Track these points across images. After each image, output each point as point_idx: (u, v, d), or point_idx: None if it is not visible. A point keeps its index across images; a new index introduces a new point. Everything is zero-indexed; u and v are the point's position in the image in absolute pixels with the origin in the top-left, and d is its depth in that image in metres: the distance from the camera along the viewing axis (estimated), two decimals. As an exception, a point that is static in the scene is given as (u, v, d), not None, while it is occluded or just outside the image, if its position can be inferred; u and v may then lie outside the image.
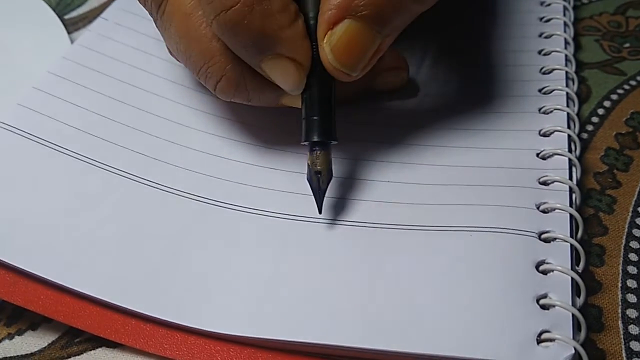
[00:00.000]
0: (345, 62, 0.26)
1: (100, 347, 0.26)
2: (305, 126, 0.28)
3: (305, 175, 0.28)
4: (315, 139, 0.27)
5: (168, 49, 0.31)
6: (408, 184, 0.29)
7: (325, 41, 0.26)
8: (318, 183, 0.28)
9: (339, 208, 0.29)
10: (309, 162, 0.28)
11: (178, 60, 0.30)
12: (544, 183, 0.29)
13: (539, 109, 0.32)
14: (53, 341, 0.26)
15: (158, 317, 0.26)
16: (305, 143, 0.28)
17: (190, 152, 0.31)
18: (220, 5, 0.25)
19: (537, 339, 0.24)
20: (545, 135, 0.31)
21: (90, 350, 0.26)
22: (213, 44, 0.27)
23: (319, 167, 0.28)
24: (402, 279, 0.26)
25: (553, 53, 0.35)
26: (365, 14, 0.26)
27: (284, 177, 0.30)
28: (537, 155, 0.30)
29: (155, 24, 0.30)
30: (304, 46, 0.27)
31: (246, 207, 0.29)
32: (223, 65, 0.27)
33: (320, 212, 0.28)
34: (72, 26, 0.39)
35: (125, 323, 0.26)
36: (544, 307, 0.24)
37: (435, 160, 0.30)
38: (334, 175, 0.28)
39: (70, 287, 0.26)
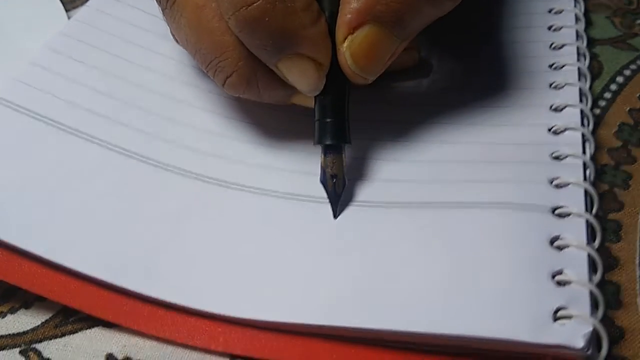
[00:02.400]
0: (365, 66, 0.25)
1: (96, 326, 0.25)
2: (318, 128, 0.26)
3: (319, 177, 0.27)
4: (329, 142, 0.26)
5: (174, 37, 0.29)
6: (417, 162, 0.28)
7: (345, 45, 0.25)
8: (334, 188, 0.26)
9: (347, 188, 0.27)
10: (323, 164, 0.27)
11: (185, 49, 0.29)
12: (557, 158, 0.27)
13: (550, 85, 0.31)
14: (47, 320, 0.25)
15: (157, 297, 0.24)
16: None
17: (190, 130, 0.30)
18: (241, 1, 0.23)
19: (553, 317, 0.22)
20: (556, 110, 0.29)
21: (86, 329, 0.25)
22: (226, 37, 0.25)
23: (333, 172, 0.26)
24: (412, 257, 0.25)
25: (563, 29, 0.33)
26: (386, 19, 0.24)
27: (288, 156, 0.29)
28: (549, 130, 0.29)
29: (163, 12, 0.28)
30: (326, 46, 0.25)
31: (249, 186, 0.28)
32: (235, 60, 0.26)
33: (335, 217, 0.26)
34: (70, 4, 0.37)
35: (122, 303, 0.25)
36: (559, 283, 0.23)
37: (444, 137, 0.29)
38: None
39: (65, 265, 0.25)
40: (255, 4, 0.23)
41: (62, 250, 0.25)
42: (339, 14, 0.25)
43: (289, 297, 0.24)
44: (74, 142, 0.29)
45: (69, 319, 0.25)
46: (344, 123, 0.26)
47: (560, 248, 0.24)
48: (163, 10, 0.28)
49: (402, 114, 0.30)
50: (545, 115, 0.29)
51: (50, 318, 0.25)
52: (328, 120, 0.26)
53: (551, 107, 0.30)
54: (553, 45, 0.33)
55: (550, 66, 0.32)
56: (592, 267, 0.24)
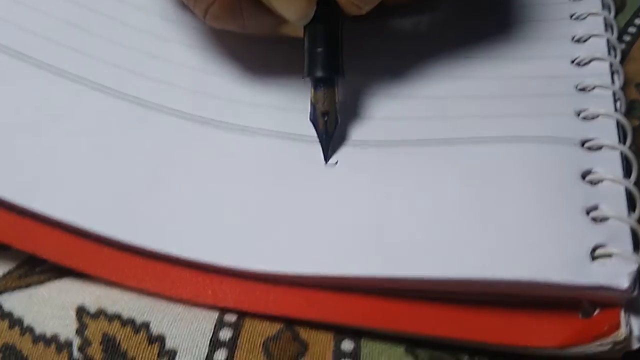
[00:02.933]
0: None
1: (66, 277, 0.22)
2: (308, 59, 0.24)
3: (308, 115, 0.24)
4: (320, 74, 0.23)
5: None
6: (424, 97, 0.25)
7: None
8: (324, 126, 0.23)
9: (341, 126, 0.24)
10: (313, 100, 0.24)
11: None
12: (583, 89, 0.25)
13: (571, 16, 0.28)
14: (10, 270, 0.22)
15: (135, 244, 0.21)
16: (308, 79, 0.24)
17: (171, 66, 0.27)
18: None
19: (591, 255, 0.19)
20: (579, 41, 0.27)
21: (54, 279, 0.22)
22: None
23: (325, 108, 0.23)
24: (429, 197, 0.22)
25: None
26: None
27: (277, 92, 0.26)
28: (572, 62, 0.26)
29: None
30: None
31: (237, 124, 0.25)
32: None
33: (326, 161, 0.23)
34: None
35: (96, 251, 0.22)
36: (595, 219, 0.20)
37: (455, 72, 0.26)
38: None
39: (31, 209, 0.22)
40: None
41: (28, 193, 0.22)
42: None
43: (283, 246, 0.21)
44: (43, 77, 0.26)
45: (35, 269, 0.22)
46: (337, 53, 0.23)
47: (593, 182, 0.21)
48: None
49: (405, 46, 0.27)
50: (568, 47, 0.27)
51: (13, 268, 0.22)
52: (319, 50, 0.23)
53: (573, 38, 0.27)
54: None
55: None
56: (630, 203, 0.21)
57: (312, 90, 0.24)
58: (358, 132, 0.24)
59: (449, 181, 0.22)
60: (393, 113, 0.25)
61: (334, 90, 0.24)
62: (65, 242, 0.22)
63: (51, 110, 0.25)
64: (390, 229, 0.21)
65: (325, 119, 0.23)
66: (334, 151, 0.24)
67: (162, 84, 0.26)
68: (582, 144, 0.23)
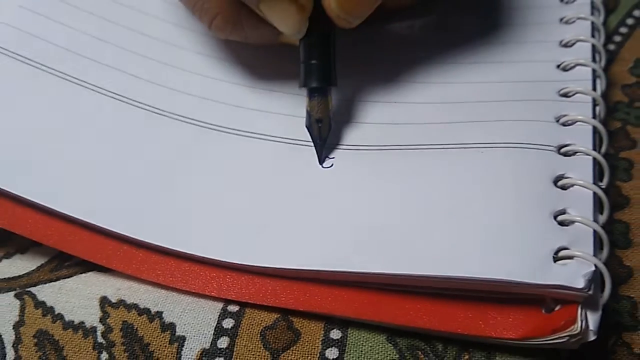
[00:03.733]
0: (350, 9, 0.24)
1: (91, 271, 0.25)
2: (303, 71, 0.26)
3: (304, 122, 0.26)
4: (314, 85, 0.25)
5: None
6: (416, 103, 0.27)
7: None
8: (319, 132, 0.26)
9: (344, 131, 0.26)
10: (308, 108, 0.26)
11: None
12: (565, 95, 0.26)
13: (560, 19, 0.29)
14: (42, 264, 0.25)
15: (151, 242, 0.24)
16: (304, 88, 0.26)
17: (184, 74, 0.29)
18: None
19: (554, 257, 0.21)
20: (566, 45, 0.28)
21: (81, 273, 0.25)
22: None
23: (319, 115, 0.25)
24: (410, 200, 0.24)
25: None
26: None
27: (286, 100, 0.28)
28: (558, 66, 0.27)
29: None
30: None
31: (246, 130, 0.27)
32: (219, 2, 0.25)
33: (321, 163, 0.26)
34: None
35: (116, 248, 0.25)
36: (562, 223, 0.22)
37: (445, 77, 0.28)
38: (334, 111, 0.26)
39: (59, 210, 0.25)
40: None
41: (57, 196, 0.25)
42: None
43: (282, 243, 0.24)
44: (65, 87, 0.28)
45: (64, 263, 0.25)
46: (330, 65, 0.25)
47: (564, 187, 0.23)
48: None
49: (396, 54, 0.29)
50: (554, 51, 0.28)
51: (45, 263, 0.25)
52: (313, 62, 0.25)
53: (561, 42, 0.28)
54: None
55: (562, 0, 0.30)
56: (600, 207, 0.23)
57: (307, 99, 0.26)
58: (350, 138, 0.26)
59: (433, 184, 0.24)
60: (383, 119, 0.27)
61: (327, 99, 0.26)
62: (90, 240, 0.25)
63: (76, 119, 0.27)
64: (376, 227, 0.23)
65: (320, 125, 0.26)
66: (327, 155, 0.26)
67: (176, 92, 0.28)
68: (559, 149, 0.24)
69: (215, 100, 0.28)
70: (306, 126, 0.26)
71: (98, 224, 0.24)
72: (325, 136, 0.26)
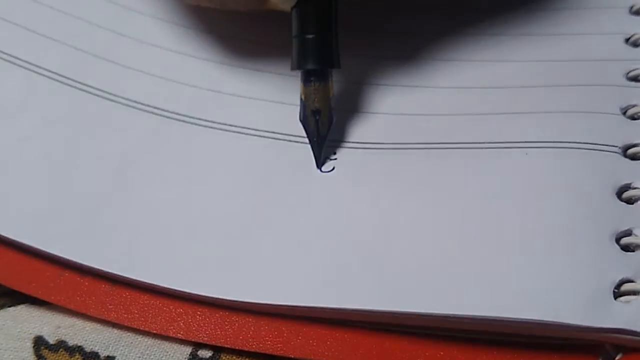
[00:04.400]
0: None
1: (23, 303, 0.26)
2: (297, 48, 0.27)
3: (298, 114, 0.27)
4: (311, 66, 0.26)
5: None
6: (442, 88, 0.29)
7: None
8: (316, 127, 0.27)
9: (348, 124, 0.28)
10: (303, 96, 0.27)
11: None
12: (635, 79, 0.28)
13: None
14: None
15: (99, 268, 0.25)
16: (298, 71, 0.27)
17: (143, 46, 0.31)
18: None
19: (614, 292, 0.23)
20: (638, 13, 0.29)
21: (9, 306, 0.26)
22: None
23: (316, 105, 0.27)
24: (432, 216, 0.25)
25: None
26: None
27: (274, 82, 0.29)
28: (627, 40, 0.29)
29: None
30: None
31: (219, 122, 0.28)
32: None
33: (319, 167, 0.27)
34: None
35: (55, 276, 0.26)
36: (626, 248, 0.23)
37: (479, 54, 0.29)
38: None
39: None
40: None
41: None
42: None
43: (266, 272, 0.25)
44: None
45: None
46: (331, 40, 0.26)
47: (630, 201, 0.24)
48: None
49: (416, 23, 0.30)
50: (622, 20, 0.29)
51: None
52: (309, 36, 0.26)
53: (631, 8, 0.30)
54: None
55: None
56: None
57: (302, 85, 0.27)
58: (358, 133, 0.28)
59: (462, 196, 0.25)
60: (400, 108, 0.28)
61: (327, 84, 0.27)
62: (21, 264, 0.26)
63: (1, 105, 0.29)
64: (390, 254, 0.24)
65: (317, 118, 0.27)
66: (327, 156, 0.27)
67: (130, 71, 0.30)
68: (625, 151, 0.26)
69: (181, 81, 0.29)
70: (300, 119, 0.27)
71: (30, 244, 0.26)
72: (325, 133, 0.27)
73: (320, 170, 0.27)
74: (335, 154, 0.27)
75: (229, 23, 0.31)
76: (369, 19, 0.30)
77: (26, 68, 0.30)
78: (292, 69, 0.27)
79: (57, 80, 0.29)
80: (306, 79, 0.27)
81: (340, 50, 0.27)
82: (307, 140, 0.27)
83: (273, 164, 0.27)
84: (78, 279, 0.26)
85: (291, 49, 0.27)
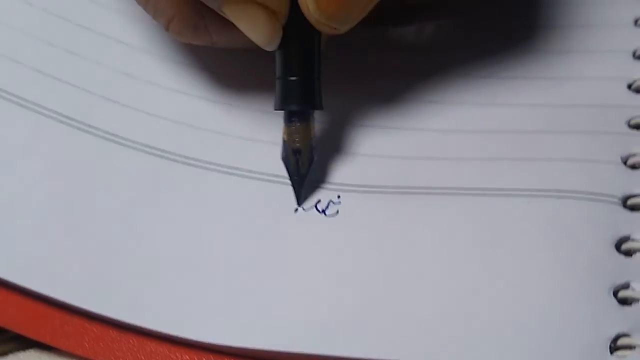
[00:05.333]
0: (334, 13, 0.26)
1: (31, 348, 0.27)
2: (280, 89, 0.28)
3: (280, 153, 0.28)
4: (293, 107, 0.28)
5: None
6: (439, 131, 0.30)
7: None
8: (296, 166, 0.28)
9: (327, 162, 0.29)
10: (285, 136, 0.28)
11: None
12: (637, 126, 0.28)
13: (636, 21, 0.32)
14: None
15: (107, 315, 0.26)
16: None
17: (149, 87, 0.32)
18: None
19: (610, 346, 0.23)
20: (641, 58, 0.30)
21: (17, 351, 0.27)
22: None
23: (297, 145, 0.28)
24: (426, 263, 0.26)
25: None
26: None
27: (272, 124, 0.30)
28: (629, 86, 0.30)
29: None
30: None
31: (226, 165, 0.29)
32: (174, 2, 0.27)
33: (299, 204, 0.28)
34: None
35: (63, 322, 0.27)
36: (623, 301, 0.24)
37: (470, 96, 0.30)
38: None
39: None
40: None
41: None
42: None
43: (272, 318, 0.26)
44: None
45: (-5, 338, 0.27)
46: (313, 82, 0.28)
47: (629, 253, 0.25)
48: None
49: (405, 62, 0.32)
50: (626, 64, 0.30)
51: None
52: (292, 78, 0.27)
53: (635, 53, 0.30)
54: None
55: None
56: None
57: (284, 125, 0.28)
58: (339, 173, 0.29)
59: (457, 246, 0.26)
60: (383, 149, 0.29)
61: (308, 125, 0.28)
62: (29, 310, 0.27)
63: (6, 150, 0.30)
64: (389, 303, 0.25)
65: (298, 157, 0.28)
66: (307, 196, 0.28)
67: (134, 113, 0.31)
68: (625, 202, 0.26)
69: (189, 123, 0.31)
70: (282, 158, 0.28)
71: (38, 290, 0.27)
72: (305, 171, 0.28)
73: (302, 208, 0.28)
74: (339, 197, 0.28)
75: (222, 59, 0.32)
76: (353, 58, 0.31)
77: (34, 110, 0.31)
78: (275, 109, 0.28)
79: (64, 123, 0.30)
80: (288, 119, 0.28)
81: (324, 90, 0.28)
82: (315, 184, 0.28)
83: (275, 208, 0.28)
84: (86, 325, 0.27)
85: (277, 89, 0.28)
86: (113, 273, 0.27)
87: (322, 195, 0.28)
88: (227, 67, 0.32)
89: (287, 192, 0.28)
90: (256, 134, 0.30)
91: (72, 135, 0.30)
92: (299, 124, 0.28)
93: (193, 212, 0.28)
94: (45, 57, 0.32)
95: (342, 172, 0.29)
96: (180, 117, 0.31)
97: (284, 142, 0.28)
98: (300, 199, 0.28)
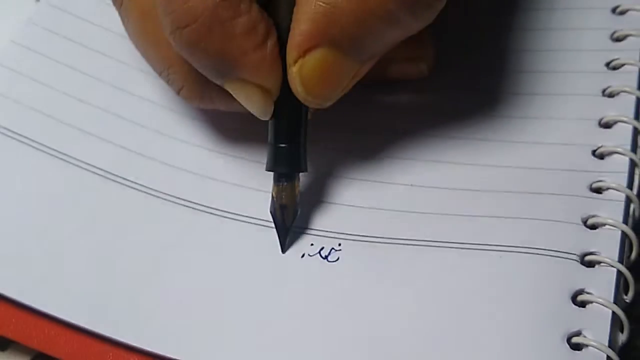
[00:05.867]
0: (318, 93, 0.31)
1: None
2: (270, 153, 0.32)
3: (269, 207, 0.33)
4: (282, 170, 0.32)
5: None
6: (422, 187, 0.34)
7: (295, 70, 0.30)
8: (282, 218, 0.32)
9: (339, 219, 0.33)
10: (273, 193, 0.33)
11: None
12: (597, 190, 0.32)
13: (603, 91, 0.35)
14: (24, 364, 0.32)
15: (143, 347, 0.30)
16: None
17: (181, 146, 0.36)
18: (177, 21, 0.29)
19: (560, 388, 0.28)
20: (607, 126, 0.34)
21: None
22: (172, 50, 0.31)
23: (283, 201, 0.32)
24: (408, 308, 0.30)
25: (630, 12, 0.38)
26: (341, 43, 0.29)
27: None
28: (593, 152, 0.33)
29: (118, 12, 0.34)
30: (273, 71, 0.30)
31: (250, 217, 0.34)
32: (183, 75, 0.32)
33: (283, 252, 0.33)
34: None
35: (105, 352, 0.31)
36: (575, 347, 0.28)
37: (444, 155, 0.34)
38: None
39: (39, 309, 0.31)
40: (191, 27, 0.29)
41: (35, 292, 0.32)
42: (289, 33, 0.30)
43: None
44: (42, 161, 0.35)
45: (48, 365, 0.32)
46: (299, 149, 0.32)
47: (583, 304, 0.29)
48: (117, 10, 0.34)
49: (384, 123, 0.36)
50: (592, 132, 0.34)
51: (28, 363, 0.32)
52: (281, 145, 0.32)
53: (600, 121, 0.34)
54: (615, 35, 0.37)
55: (608, 64, 0.36)
56: (621, 326, 0.29)
57: (273, 184, 0.33)
58: (339, 223, 0.33)
59: (420, 295, 0.30)
60: (364, 202, 0.33)
61: (293, 184, 0.33)
62: (76, 342, 0.31)
63: (51, 200, 0.34)
64: (378, 339, 0.30)
65: (283, 211, 0.33)
66: (292, 242, 0.33)
67: (169, 169, 0.35)
68: (582, 259, 0.30)
69: (218, 179, 0.35)
70: (270, 212, 0.33)
71: (85, 326, 0.31)
72: (290, 224, 0.33)
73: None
74: (340, 245, 0.33)
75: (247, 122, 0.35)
76: (339, 120, 0.36)
77: (77, 165, 0.35)
78: (266, 169, 0.32)
79: (103, 177, 0.35)
80: (277, 179, 0.33)
81: (311, 151, 0.32)
82: (319, 233, 0.33)
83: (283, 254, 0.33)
84: (127, 356, 0.31)
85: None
86: (147, 309, 0.31)
87: (326, 243, 0.33)
88: (240, 124, 0.36)
89: (294, 239, 0.33)
90: (266, 187, 0.34)
91: (112, 189, 0.35)
92: (285, 184, 0.32)
93: (210, 256, 0.33)
94: (90, 117, 0.37)
95: (343, 223, 0.33)
96: (200, 169, 0.35)
97: (273, 198, 0.33)
98: (284, 247, 0.33)
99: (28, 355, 0.32)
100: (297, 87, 0.30)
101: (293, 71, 0.30)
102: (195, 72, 0.31)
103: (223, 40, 0.29)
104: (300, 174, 0.33)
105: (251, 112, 0.31)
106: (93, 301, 0.32)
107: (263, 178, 0.34)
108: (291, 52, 0.30)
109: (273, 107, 0.31)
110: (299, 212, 0.33)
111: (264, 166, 0.33)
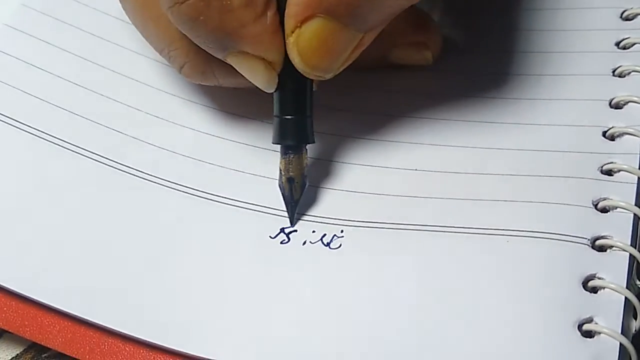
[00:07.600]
0: (316, 64, 0.30)
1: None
2: (277, 126, 0.32)
3: (277, 181, 0.32)
4: (289, 142, 0.32)
5: None
6: (427, 171, 0.33)
7: (292, 40, 0.29)
8: (291, 192, 0.32)
9: (341, 205, 0.33)
10: (281, 166, 0.32)
11: None
12: (608, 172, 0.32)
13: (613, 71, 0.35)
14: (17, 355, 0.31)
15: (139, 337, 0.30)
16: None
17: (178, 129, 0.36)
18: None
19: (573, 378, 0.27)
20: (617, 107, 0.34)
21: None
22: (172, 28, 0.31)
23: (291, 174, 0.32)
24: (413, 295, 0.30)
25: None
26: (338, 12, 0.29)
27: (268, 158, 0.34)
28: (604, 134, 0.33)
29: None
30: (274, 43, 0.30)
31: (251, 203, 0.33)
32: (185, 51, 0.32)
33: (292, 225, 0.32)
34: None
35: (100, 342, 0.30)
36: (587, 334, 0.28)
37: (466, 141, 0.34)
38: (324, 174, 0.33)
39: (33, 298, 0.31)
40: (189, 1, 0.28)
41: (28, 280, 0.31)
42: (287, 3, 0.29)
43: (278, 341, 0.29)
44: (37, 146, 0.35)
45: (42, 354, 0.31)
46: (306, 120, 0.32)
47: (594, 290, 0.29)
48: None
49: (390, 104, 0.35)
50: (602, 113, 0.33)
51: (21, 352, 0.31)
52: (287, 117, 0.32)
53: (611, 102, 0.34)
54: (625, 15, 0.37)
55: (618, 44, 0.36)
56: (634, 313, 0.28)
57: (280, 157, 0.32)
58: (342, 210, 0.32)
59: (441, 282, 0.30)
60: (367, 187, 0.33)
61: (301, 156, 0.32)
62: (69, 331, 0.31)
63: (49, 187, 0.34)
64: (335, 337, 0.29)
65: (291, 184, 0.32)
66: (300, 217, 0.32)
67: (165, 153, 0.35)
68: (593, 243, 0.30)
69: (216, 163, 0.35)
70: (279, 185, 0.32)
71: (78, 315, 0.30)
72: (298, 197, 0.32)
73: (292, 225, 0.32)
74: (342, 232, 0.32)
75: (248, 102, 0.36)
76: (344, 99, 0.35)
77: (73, 150, 0.35)
78: (273, 142, 0.32)
79: (99, 162, 0.34)
80: (284, 152, 0.32)
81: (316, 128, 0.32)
82: (321, 220, 0.32)
83: (285, 240, 0.32)
84: (120, 345, 0.30)
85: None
86: (143, 298, 0.31)
87: (328, 229, 0.32)
88: (241, 106, 0.36)
89: (297, 226, 0.32)
90: (270, 172, 0.34)
91: (108, 174, 0.34)
92: (293, 156, 0.32)
93: (209, 243, 0.32)
94: (85, 102, 0.36)
95: (345, 209, 0.32)
96: (198, 154, 0.35)
97: (280, 171, 0.32)
98: (292, 221, 0.32)
99: (22, 345, 0.32)
100: (294, 58, 0.30)
101: (290, 42, 0.30)
102: (197, 49, 0.31)
103: (221, 13, 0.29)
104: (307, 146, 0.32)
105: (255, 85, 0.31)
106: (87, 290, 0.31)
107: (262, 163, 0.34)
108: (288, 23, 0.29)
109: (277, 79, 0.31)
110: (307, 185, 0.32)
111: (263, 151, 0.33)
